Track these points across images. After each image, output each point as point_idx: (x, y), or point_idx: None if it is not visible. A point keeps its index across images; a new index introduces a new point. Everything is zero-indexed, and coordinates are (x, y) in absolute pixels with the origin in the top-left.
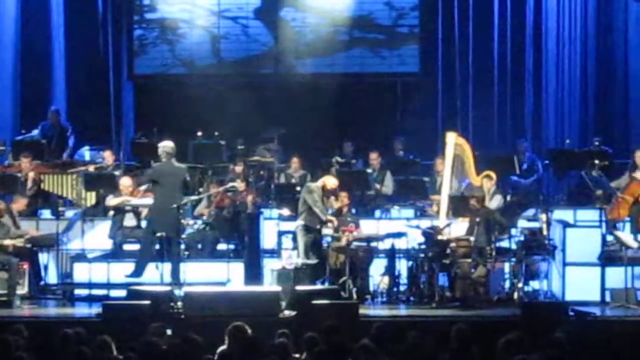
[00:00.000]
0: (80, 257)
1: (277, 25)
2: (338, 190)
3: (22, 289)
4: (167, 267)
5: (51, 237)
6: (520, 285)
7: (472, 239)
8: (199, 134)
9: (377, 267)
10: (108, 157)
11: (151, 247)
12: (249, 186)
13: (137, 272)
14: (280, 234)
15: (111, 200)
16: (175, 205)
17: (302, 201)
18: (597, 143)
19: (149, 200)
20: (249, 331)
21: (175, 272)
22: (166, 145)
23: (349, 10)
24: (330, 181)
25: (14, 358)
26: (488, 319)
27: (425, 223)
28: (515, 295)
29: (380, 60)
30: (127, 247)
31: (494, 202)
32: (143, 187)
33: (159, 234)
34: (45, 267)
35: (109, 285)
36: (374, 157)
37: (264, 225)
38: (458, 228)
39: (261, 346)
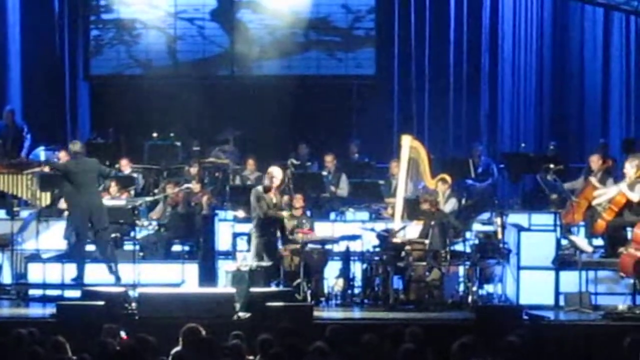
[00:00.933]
0: (35, 257)
1: (233, 26)
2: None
3: None
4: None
5: (5, 237)
6: (474, 288)
7: (426, 242)
8: (155, 134)
9: (332, 270)
10: (63, 157)
11: (80, 248)
12: (204, 187)
13: (79, 276)
14: (235, 235)
15: (64, 203)
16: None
17: (253, 205)
18: (552, 147)
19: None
20: (203, 333)
21: (109, 269)
22: (75, 145)
23: (305, 12)
24: (274, 171)
25: None
26: (442, 322)
27: (380, 226)
28: (470, 298)
29: (336, 63)
30: None
31: (449, 206)
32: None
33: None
34: (0, 267)
35: (63, 286)
36: (329, 160)
37: (219, 227)
38: (413, 231)
39: (215, 348)
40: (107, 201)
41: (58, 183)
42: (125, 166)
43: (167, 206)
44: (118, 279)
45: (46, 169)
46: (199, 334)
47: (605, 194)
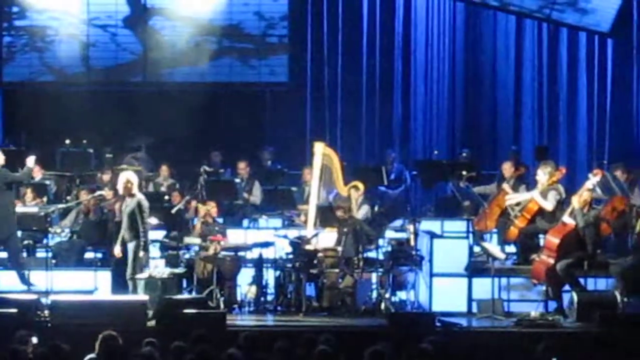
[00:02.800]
0: None
1: (146, 33)
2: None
3: None
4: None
5: None
6: (387, 295)
7: (339, 249)
8: (67, 141)
9: (245, 277)
10: None
11: None
12: (117, 195)
13: None
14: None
15: None
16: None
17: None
18: (464, 154)
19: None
20: (120, 340)
21: (20, 278)
22: None
23: (218, 19)
24: (130, 176)
25: None
26: (355, 329)
27: (293, 233)
28: (383, 305)
29: (249, 70)
30: None
31: (361, 212)
32: None
33: None
34: None
35: None
36: (242, 167)
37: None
38: (326, 238)
39: (129, 355)
40: (19, 208)
41: None
42: (37, 173)
43: (80, 213)
44: (29, 286)
45: None
46: (116, 341)
47: (516, 198)
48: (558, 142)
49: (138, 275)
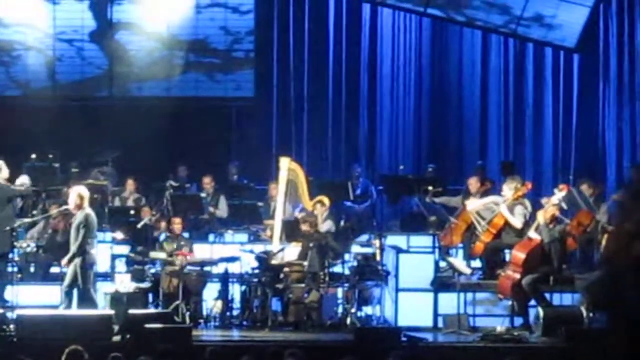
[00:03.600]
0: None
1: (112, 48)
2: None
3: None
4: None
5: None
6: (353, 310)
7: (305, 263)
8: (33, 156)
9: (211, 291)
10: None
11: None
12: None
13: None
14: (114, 257)
15: None
16: (7, 228)
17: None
18: (430, 169)
19: None
20: (86, 355)
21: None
22: None
23: (184, 34)
24: (82, 190)
25: None
26: (321, 344)
27: (258, 247)
28: (348, 320)
29: (215, 85)
30: None
31: (325, 227)
32: None
33: None
34: None
35: None
36: (207, 182)
37: (98, 249)
38: (291, 253)
39: None
40: None
41: None
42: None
43: (48, 228)
44: (4, 301)
45: None
46: (82, 356)
47: (480, 202)
48: (524, 157)
49: (104, 289)
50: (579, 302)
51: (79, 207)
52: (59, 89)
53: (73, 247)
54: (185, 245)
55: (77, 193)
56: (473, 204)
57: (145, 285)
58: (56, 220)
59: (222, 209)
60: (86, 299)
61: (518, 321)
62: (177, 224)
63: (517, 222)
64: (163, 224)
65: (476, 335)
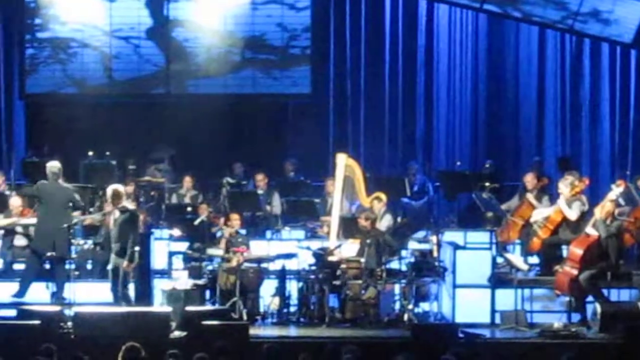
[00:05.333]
0: None
1: (169, 45)
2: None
3: None
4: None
5: None
6: (410, 306)
7: (362, 260)
8: (90, 153)
9: (268, 288)
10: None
11: (35, 268)
12: (140, 206)
13: (21, 292)
14: (171, 254)
15: (1, 221)
16: (65, 225)
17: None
18: (487, 165)
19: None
20: (143, 352)
21: (59, 292)
22: (53, 166)
23: (241, 31)
24: (120, 188)
25: None
26: (378, 341)
27: (315, 244)
28: (406, 316)
29: (271, 81)
30: (17, 266)
31: (384, 223)
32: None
33: (48, 254)
34: None
35: None
36: (260, 178)
37: (155, 246)
38: (348, 249)
39: None
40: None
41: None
42: None
43: (104, 226)
44: (64, 300)
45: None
46: (139, 352)
47: (544, 213)
48: (581, 153)
49: (161, 286)
50: (637, 297)
51: (116, 204)
52: (115, 87)
53: (130, 246)
54: (243, 242)
55: (112, 190)
56: (537, 216)
57: (203, 282)
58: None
59: (276, 206)
60: (125, 296)
61: (575, 317)
62: (235, 219)
63: (572, 213)
64: (220, 221)
65: (534, 331)
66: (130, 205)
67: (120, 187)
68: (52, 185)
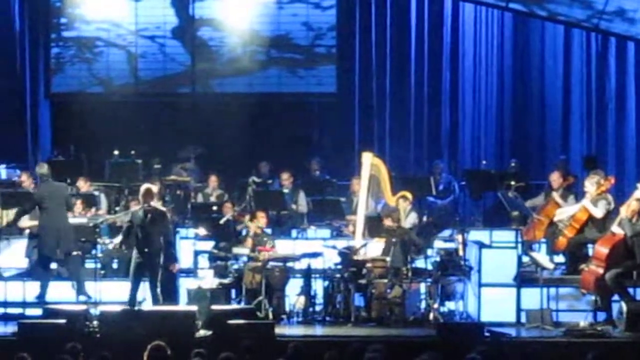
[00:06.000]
0: None
1: (194, 44)
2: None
3: None
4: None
5: None
6: (436, 305)
7: (388, 259)
8: (116, 152)
9: (293, 287)
10: (25, 179)
11: (44, 269)
12: (166, 205)
13: (41, 295)
14: (197, 253)
15: (25, 222)
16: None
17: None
18: (513, 164)
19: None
20: (169, 351)
21: (79, 289)
22: (41, 167)
23: (266, 30)
24: (153, 187)
25: None
26: (404, 339)
27: (341, 243)
28: (431, 315)
29: (297, 80)
30: None
31: (409, 221)
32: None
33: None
34: None
35: (24, 304)
36: (286, 177)
37: (180, 245)
38: (374, 248)
39: None
40: (70, 219)
41: (20, 202)
42: (83, 186)
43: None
44: (88, 297)
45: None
46: (165, 352)
47: (567, 212)
48: (606, 151)
49: (187, 285)
50: None
51: (147, 202)
52: (141, 86)
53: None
54: (268, 241)
55: (144, 188)
56: (561, 215)
57: (228, 281)
58: None
59: (301, 205)
60: (155, 295)
61: (601, 316)
62: (261, 217)
63: (598, 212)
64: (245, 217)
65: (559, 330)
66: (159, 205)
67: (153, 187)
68: (46, 187)
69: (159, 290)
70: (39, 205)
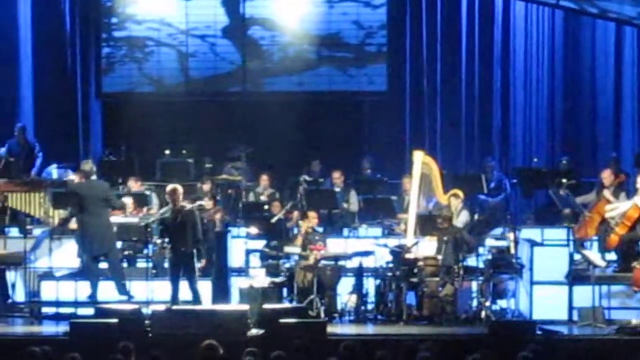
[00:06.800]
0: (48, 275)
1: (245, 43)
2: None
3: None
4: (134, 285)
5: (18, 255)
6: (487, 303)
7: (439, 257)
8: (167, 152)
9: (345, 286)
10: (77, 179)
11: (92, 267)
12: (217, 204)
13: (93, 295)
14: (248, 252)
15: (74, 223)
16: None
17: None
18: (564, 162)
19: (116, 218)
20: (221, 350)
21: (119, 288)
22: (85, 165)
23: (317, 29)
24: (178, 187)
25: None
26: (455, 338)
27: (393, 242)
28: (483, 313)
29: (348, 79)
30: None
31: (461, 219)
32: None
33: (95, 253)
34: (13, 286)
35: (76, 304)
36: (337, 176)
37: (232, 244)
38: (426, 247)
39: None
40: (120, 219)
41: (71, 201)
42: (134, 186)
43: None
44: (129, 297)
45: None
46: (217, 351)
47: (618, 208)
48: None
49: (239, 285)
50: None
51: (174, 202)
52: (192, 85)
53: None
54: (320, 240)
55: (170, 188)
56: (611, 212)
57: (280, 279)
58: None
59: (353, 203)
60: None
61: None
62: (313, 217)
63: None
64: (294, 215)
65: (611, 328)
66: (187, 204)
67: (178, 186)
68: (85, 185)
69: (199, 288)
70: (78, 202)
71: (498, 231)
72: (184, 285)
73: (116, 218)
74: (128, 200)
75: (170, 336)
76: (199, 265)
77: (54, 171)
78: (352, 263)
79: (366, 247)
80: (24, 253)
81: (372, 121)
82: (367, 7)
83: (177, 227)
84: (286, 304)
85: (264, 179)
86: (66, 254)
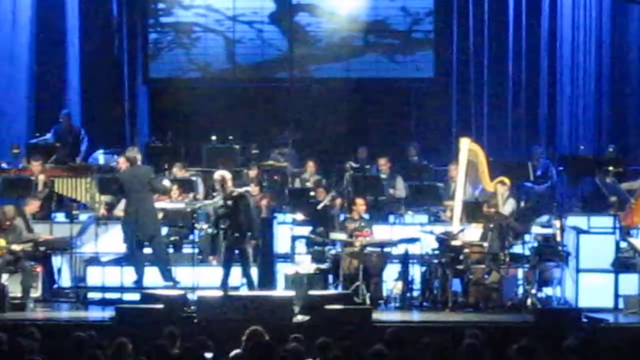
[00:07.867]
0: (94, 260)
1: (292, 30)
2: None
3: (36, 292)
4: (180, 270)
5: (65, 241)
6: (533, 291)
7: (485, 244)
8: (213, 138)
9: (391, 272)
10: (122, 163)
11: (137, 253)
12: (263, 190)
13: (139, 280)
14: (294, 238)
15: (119, 210)
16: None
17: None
18: (611, 149)
19: (162, 204)
20: (266, 336)
21: (164, 274)
22: (130, 151)
23: (363, 15)
24: (225, 174)
25: None
26: (501, 325)
27: (438, 229)
28: (529, 301)
29: (394, 66)
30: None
31: (508, 207)
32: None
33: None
34: (59, 271)
35: (122, 289)
36: (383, 163)
37: (278, 230)
38: (472, 234)
39: (275, 352)
40: (166, 204)
41: (116, 188)
42: (179, 171)
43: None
44: (175, 282)
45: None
46: (262, 337)
47: None
48: None
49: (285, 271)
50: None
51: (223, 189)
52: (238, 71)
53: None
54: (366, 226)
55: (218, 176)
56: None
57: (326, 266)
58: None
59: (399, 189)
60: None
61: None
62: (361, 204)
63: None
64: (337, 202)
65: None
66: (235, 188)
67: (224, 173)
68: (129, 171)
69: (252, 273)
70: (122, 187)
71: (544, 219)
72: (235, 271)
73: (162, 204)
74: (170, 184)
75: (215, 322)
76: (252, 242)
77: (100, 156)
78: (398, 250)
79: (412, 233)
80: (70, 238)
81: (419, 108)
82: None
83: (230, 212)
84: (332, 291)
85: (310, 165)
86: (112, 240)
